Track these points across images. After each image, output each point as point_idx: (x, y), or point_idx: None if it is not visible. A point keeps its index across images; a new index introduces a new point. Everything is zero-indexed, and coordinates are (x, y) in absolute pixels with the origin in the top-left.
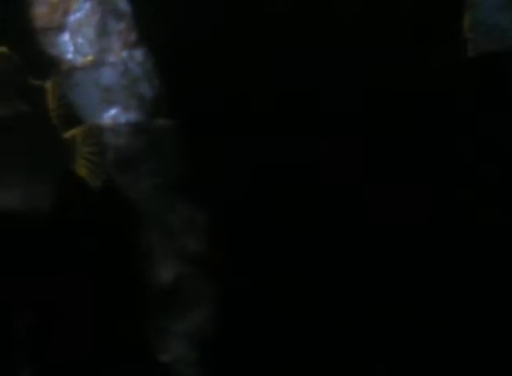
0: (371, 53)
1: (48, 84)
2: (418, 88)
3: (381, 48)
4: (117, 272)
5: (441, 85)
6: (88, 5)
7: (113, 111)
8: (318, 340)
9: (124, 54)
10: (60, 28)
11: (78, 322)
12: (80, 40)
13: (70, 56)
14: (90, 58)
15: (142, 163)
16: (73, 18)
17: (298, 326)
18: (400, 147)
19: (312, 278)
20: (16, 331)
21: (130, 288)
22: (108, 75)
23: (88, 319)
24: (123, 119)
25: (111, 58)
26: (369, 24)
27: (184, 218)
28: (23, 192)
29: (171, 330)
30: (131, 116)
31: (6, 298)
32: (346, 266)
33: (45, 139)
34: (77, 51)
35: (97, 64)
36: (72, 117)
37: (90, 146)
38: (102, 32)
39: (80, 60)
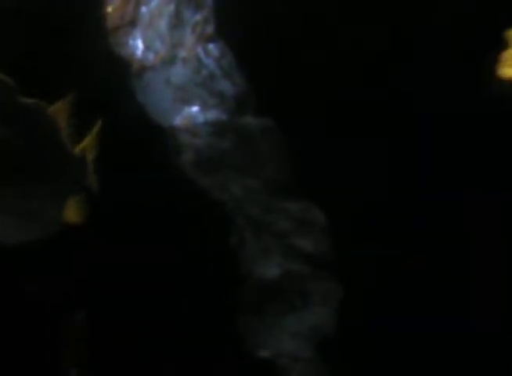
0: None
1: (59, 106)
2: None
3: None
4: (211, 270)
5: None
6: None
7: (188, 111)
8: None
9: (199, 49)
10: (132, 24)
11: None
12: (151, 35)
13: (140, 54)
14: (160, 55)
15: (230, 164)
16: (146, 9)
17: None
18: None
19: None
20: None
21: (228, 285)
22: (180, 72)
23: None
24: (200, 118)
25: (183, 53)
26: None
27: (288, 217)
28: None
29: (275, 326)
30: (210, 115)
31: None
32: None
33: (45, 159)
34: (147, 48)
35: (168, 61)
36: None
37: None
38: (176, 24)
39: (150, 58)
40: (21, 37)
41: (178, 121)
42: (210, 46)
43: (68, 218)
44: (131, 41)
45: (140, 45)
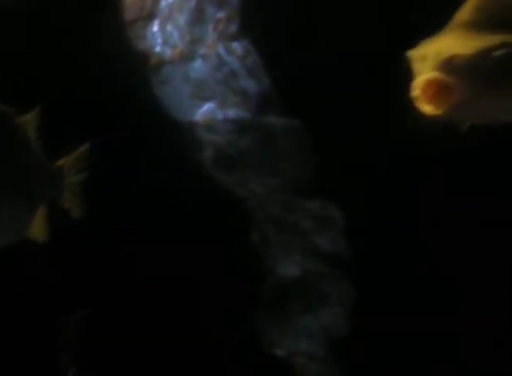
0: None
1: (29, 116)
2: None
3: None
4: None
5: None
6: None
7: (207, 107)
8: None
9: (220, 46)
10: (150, 17)
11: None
12: (169, 29)
13: (158, 48)
14: (179, 50)
15: (251, 162)
16: (165, 3)
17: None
18: None
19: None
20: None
21: (247, 283)
22: (199, 68)
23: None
24: (220, 115)
25: (203, 49)
26: None
27: (307, 216)
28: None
29: (291, 326)
30: (230, 112)
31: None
32: None
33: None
34: (165, 42)
35: (187, 56)
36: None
37: (77, 174)
38: (196, 20)
39: (169, 52)
40: (22, 35)
41: (197, 117)
42: (234, 45)
43: (31, 234)
44: (149, 35)
45: (159, 38)
